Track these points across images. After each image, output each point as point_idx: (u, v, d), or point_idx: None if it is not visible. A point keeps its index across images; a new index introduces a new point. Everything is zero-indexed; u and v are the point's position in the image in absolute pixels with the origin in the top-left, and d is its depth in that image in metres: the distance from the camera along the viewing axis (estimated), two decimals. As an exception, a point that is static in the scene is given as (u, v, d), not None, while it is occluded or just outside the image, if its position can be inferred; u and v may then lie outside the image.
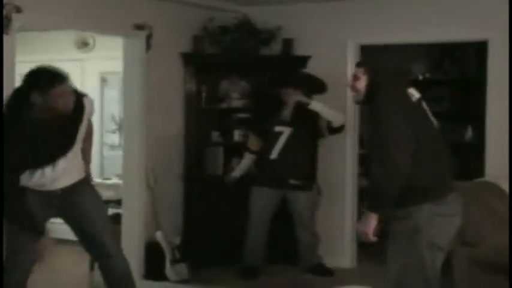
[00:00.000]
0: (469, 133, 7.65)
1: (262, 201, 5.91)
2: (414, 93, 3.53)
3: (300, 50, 6.41)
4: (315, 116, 5.81)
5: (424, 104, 3.55)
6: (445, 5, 5.89)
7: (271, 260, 6.08)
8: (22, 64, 5.39)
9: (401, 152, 3.27)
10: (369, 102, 3.51)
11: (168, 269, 5.69)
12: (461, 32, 5.87)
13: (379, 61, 3.62)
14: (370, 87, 3.50)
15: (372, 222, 3.36)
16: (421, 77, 7.95)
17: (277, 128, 5.88)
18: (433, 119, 3.57)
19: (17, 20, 4.72)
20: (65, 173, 3.97)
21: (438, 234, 3.39)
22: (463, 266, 4.82)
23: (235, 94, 6.50)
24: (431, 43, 6.79)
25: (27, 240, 3.92)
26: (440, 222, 3.38)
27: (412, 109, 3.44)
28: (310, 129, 5.89)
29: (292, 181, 5.85)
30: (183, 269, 5.76)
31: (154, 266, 5.78)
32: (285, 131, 5.85)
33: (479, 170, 6.02)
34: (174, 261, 5.72)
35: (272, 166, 5.87)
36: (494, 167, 5.79)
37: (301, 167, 5.89)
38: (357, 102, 3.67)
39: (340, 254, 6.30)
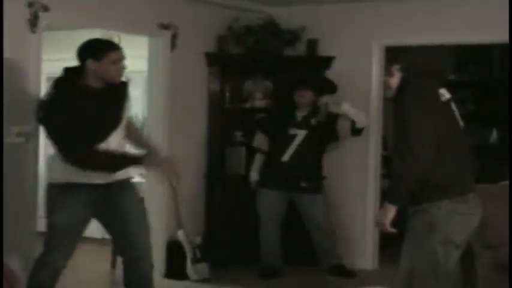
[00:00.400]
0: (494, 136, 7.60)
1: (271, 204, 5.91)
2: (445, 94, 3.56)
3: (324, 51, 6.40)
4: (331, 119, 5.83)
5: (453, 105, 3.59)
6: (470, 7, 5.85)
7: (292, 261, 6.08)
8: (48, 63, 5.46)
9: (423, 147, 3.32)
10: (398, 99, 3.57)
11: (189, 268, 5.71)
12: (486, 33, 5.84)
13: (417, 60, 3.71)
14: (402, 84, 3.55)
15: (390, 213, 3.42)
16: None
17: (292, 131, 5.87)
18: (460, 120, 3.61)
19: (44, 18, 4.77)
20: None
21: (454, 232, 3.43)
22: (486, 269, 4.79)
23: (258, 94, 6.51)
24: (456, 44, 6.76)
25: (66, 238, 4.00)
26: (457, 219, 3.42)
27: (439, 109, 3.48)
28: (325, 133, 5.89)
29: (303, 184, 5.85)
30: (204, 268, 5.77)
31: (175, 265, 5.80)
32: (299, 134, 5.84)
33: (504, 173, 5.98)
34: (195, 261, 5.74)
35: (283, 168, 5.86)
36: (518, 170, 5.73)
37: (312, 169, 5.90)
38: (389, 98, 3.71)
39: (362, 255, 6.29)
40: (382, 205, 3.66)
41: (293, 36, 6.39)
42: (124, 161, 3.95)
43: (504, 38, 5.69)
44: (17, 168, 4.67)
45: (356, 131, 5.83)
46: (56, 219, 3.99)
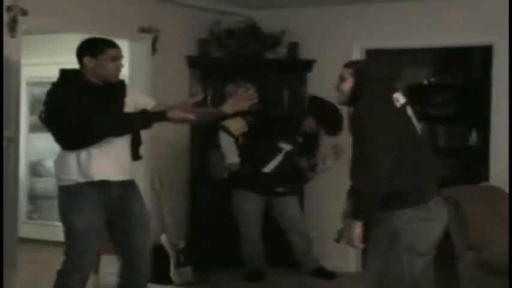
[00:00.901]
0: (474, 137, 7.65)
1: (252, 205, 5.91)
2: (400, 99, 3.44)
3: (305, 54, 6.42)
4: (313, 137, 5.91)
5: (409, 110, 3.47)
6: (450, 10, 5.90)
7: (277, 263, 6.08)
8: (28, 67, 5.43)
9: (381, 158, 3.23)
10: (352, 104, 3.49)
11: (173, 272, 5.70)
12: (466, 36, 5.89)
13: (368, 64, 3.58)
14: (355, 89, 3.45)
15: (357, 229, 3.34)
16: (426, 82, 7.97)
17: (281, 144, 5.88)
18: (417, 124, 3.49)
19: (23, 22, 4.74)
20: (122, 155, 3.96)
21: (417, 239, 3.36)
22: (469, 269, 4.83)
23: (240, 98, 6.50)
24: (437, 47, 6.80)
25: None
26: (419, 226, 3.35)
27: (395, 115, 3.38)
28: (307, 147, 5.93)
29: (279, 189, 5.88)
30: (187, 272, 5.76)
31: (159, 269, 5.75)
32: (285, 148, 5.86)
33: (484, 174, 6.02)
34: (179, 265, 5.73)
35: (264, 178, 5.87)
36: (498, 171, 5.77)
37: (290, 176, 5.93)
38: (340, 103, 3.61)
39: (345, 257, 6.29)
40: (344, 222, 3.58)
41: (274, 40, 6.41)
42: (146, 117, 3.93)
43: (485, 40, 5.74)
44: (-3, 174, 4.63)
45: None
46: (75, 223, 3.86)
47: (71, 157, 3.85)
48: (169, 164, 6.12)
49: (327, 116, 5.62)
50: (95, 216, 3.89)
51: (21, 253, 4.97)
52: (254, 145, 5.92)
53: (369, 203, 3.30)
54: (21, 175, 5.05)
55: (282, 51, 6.46)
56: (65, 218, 3.91)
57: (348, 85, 3.48)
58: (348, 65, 3.55)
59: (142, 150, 5.64)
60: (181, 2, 6.01)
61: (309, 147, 5.95)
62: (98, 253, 5.96)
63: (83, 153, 3.83)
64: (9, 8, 4.67)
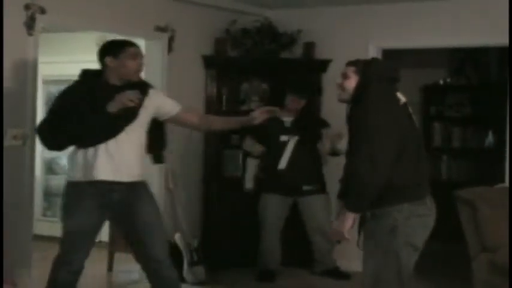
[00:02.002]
0: (490, 138, 7.61)
1: (274, 208, 5.89)
2: (401, 98, 3.51)
3: (321, 54, 6.41)
4: (317, 123, 5.87)
5: (409, 109, 3.55)
6: (467, 10, 5.87)
7: (288, 263, 6.08)
8: (45, 65, 5.46)
9: (382, 153, 3.29)
10: (355, 102, 3.50)
11: (186, 271, 5.71)
12: (483, 37, 5.85)
13: (371, 63, 3.60)
14: (360, 87, 3.47)
15: (350, 222, 3.39)
16: (442, 82, 7.94)
17: (283, 138, 5.85)
18: (416, 124, 3.57)
19: (41, 21, 4.77)
20: (130, 157, 3.94)
21: (415, 234, 3.43)
22: (483, 271, 4.81)
23: (255, 97, 6.51)
24: (453, 48, 6.77)
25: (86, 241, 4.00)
26: (416, 222, 3.41)
27: (398, 113, 3.44)
28: (313, 135, 5.89)
29: (305, 187, 5.85)
30: (200, 271, 5.77)
31: (172, 267, 5.79)
32: (291, 140, 5.83)
33: (500, 176, 5.99)
34: (192, 264, 5.74)
35: (282, 176, 5.84)
36: (515, 173, 5.74)
37: (312, 172, 5.89)
38: (341, 101, 3.61)
39: (359, 257, 6.26)
40: (337, 211, 3.62)
41: (290, 39, 6.40)
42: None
43: (501, 41, 5.70)
44: (13, 171, 4.66)
45: (335, 154, 5.79)
46: (71, 221, 3.94)
47: (79, 154, 3.92)
48: (184, 164, 6.13)
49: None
50: (88, 216, 3.92)
51: (35, 250, 5.00)
52: (263, 145, 5.93)
53: (366, 197, 3.34)
54: (37, 173, 5.07)
55: (297, 51, 6.45)
56: (63, 213, 4.02)
57: (351, 83, 3.51)
58: (352, 63, 3.58)
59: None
60: (198, 2, 6.02)
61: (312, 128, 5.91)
62: (111, 251, 6.03)
63: (90, 152, 3.88)
64: (28, 6, 4.69)
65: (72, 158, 3.98)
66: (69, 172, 4.04)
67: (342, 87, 3.55)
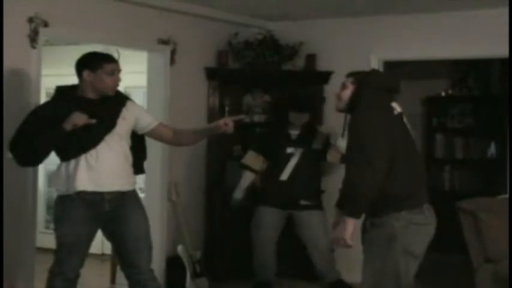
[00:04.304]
0: (492, 149, 7.61)
1: (269, 221, 5.84)
2: (396, 108, 3.61)
3: (322, 66, 6.43)
4: (323, 137, 5.85)
5: (405, 119, 3.63)
6: (469, 21, 5.88)
7: (282, 274, 6.04)
8: (48, 77, 5.48)
9: (378, 156, 3.35)
10: (350, 111, 3.60)
11: (189, 283, 5.70)
12: (484, 48, 5.86)
13: (369, 73, 3.72)
14: (355, 97, 3.58)
15: (351, 227, 3.42)
16: (444, 93, 7.95)
17: (289, 150, 5.85)
18: (411, 133, 3.65)
19: (44, 33, 4.79)
20: (111, 167, 3.99)
21: (413, 242, 3.46)
22: (486, 282, 4.80)
23: (257, 109, 6.54)
24: (455, 59, 6.78)
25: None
26: (415, 230, 3.45)
27: (392, 122, 3.53)
28: (319, 150, 5.88)
29: (303, 202, 5.83)
30: (203, 283, 5.76)
31: (175, 279, 5.79)
32: (296, 152, 5.83)
33: (502, 187, 5.99)
34: (195, 275, 5.73)
35: (282, 187, 5.81)
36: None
37: (311, 187, 5.88)
38: (338, 110, 3.72)
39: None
40: (335, 219, 3.65)
41: (292, 51, 6.43)
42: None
43: (503, 52, 5.72)
44: (16, 183, 4.67)
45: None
46: (62, 232, 4.02)
47: (62, 167, 4.03)
48: (186, 175, 6.14)
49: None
50: (78, 226, 3.99)
51: (38, 263, 5.00)
52: (267, 157, 5.92)
53: (360, 202, 3.38)
54: (40, 185, 5.08)
55: (299, 63, 6.48)
56: (55, 225, 4.09)
57: (347, 93, 3.63)
58: (351, 74, 3.70)
59: (159, 161, 5.73)
60: (200, 14, 6.05)
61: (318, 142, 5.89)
62: (114, 263, 6.03)
63: (72, 164, 3.98)
64: (31, 19, 4.72)
65: (57, 171, 4.08)
66: (54, 185, 4.16)
67: (338, 96, 3.67)
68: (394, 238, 3.42)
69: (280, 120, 6.01)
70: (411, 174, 3.50)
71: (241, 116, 4.37)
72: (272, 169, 5.89)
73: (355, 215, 3.43)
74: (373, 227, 3.51)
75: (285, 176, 5.80)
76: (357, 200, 3.39)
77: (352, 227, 3.42)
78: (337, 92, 3.69)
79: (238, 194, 5.97)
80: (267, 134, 6.26)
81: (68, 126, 3.87)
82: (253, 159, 5.95)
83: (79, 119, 3.88)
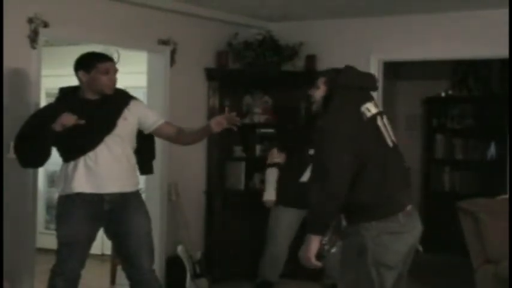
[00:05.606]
0: (492, 150, 7.61)
1: (289, 221, 5.82)
2: (371, 109, 3.26)
3: (322, 66, 6.41)
4: None
5: (379, 120, 3.28)
6: (469, 22, 5.88)
7: (296, 274, 6.03)
8: (48, 78, 5.48)
9: (338, 170, 3.09)
10: (321, 112, 3.40)
11: (189, 284, 5.70)
12: (484, 49, 5.86)
13: (339, 72, 3.43)
14: (325, 97, 3.38)
15: (314, 245, 3.16)
16: (443, 94, 7.95)
17: (312, 151, 5.82)
18: (388, 135, 3.31)
19: (44, 34, 4.80)
20: (110, 169, 3.99)
21: (385, 253, 3.18)
22: (486, 283, 4.80)
23: (257, 109, 6.54)
24: (455, 60, 6.78)
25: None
26: (387, 240, 3.17)
27: (360, 127, 3.21)
28: None
29: None
30: (203, 283, 5.76)
31: (175, 280, 5.79)
32: None
33: (502, 187, 5.99)
34: (195, 276, 5.73)
35: (301, 188, 5.78)
36: (517, 185, 5.74)
37: None
38: (314, 112, 3.52)
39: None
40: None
41: (291, 52, 6.43)
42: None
43: (503, 53, 5.71)
44: (16, 183, 4.68)
45: None
46: (63, 232, 4.03)
47: (63, 168, 4.06)
48: (186, 175, 6.14)
49: None
50: (79, 226, 4.00)
51: (38, 263, 5.00)
52: (287, 158, 5.89)
53: (323, 215, 3.15)
54: (40, 185, 5.08)
55: (299, 64, 6.48)
56: (56, 225, 4.11)
57: (320, 93, 3.43)
58: (322, 73, 3.52)
59: (159, 161, 5.72)
60: (200, 15, 6.05)
61: None
62: (114, 264, 6.02)
63: (71, 165, 4.00)
64: (31, 20, 4.72)
65: (59, 172, 4.11)
66: (56, 186, 4.20)
67: (312, 97, 3.48)
68: (364, 249, 3.16)
69: (310, 122, 6.00)
70: (384, 181, 3.20)
71: (235, 118, 4.22)
72: (292, 170, 5.87)
73: (316, 232, 3.16)
74: (348, 235, 3.25)
75: (305, 177, 5.79)
76: (318, 217, 3.16)
77: (315, 244, 3.15)
78: (310, 92, 3.48)
79: (271, 195, 5.87)
80: (292, 133, 6.19)
81: (57, 127, 3.87)
82: (277, 156, 5.94)
83: (67, 119, 3.87)
